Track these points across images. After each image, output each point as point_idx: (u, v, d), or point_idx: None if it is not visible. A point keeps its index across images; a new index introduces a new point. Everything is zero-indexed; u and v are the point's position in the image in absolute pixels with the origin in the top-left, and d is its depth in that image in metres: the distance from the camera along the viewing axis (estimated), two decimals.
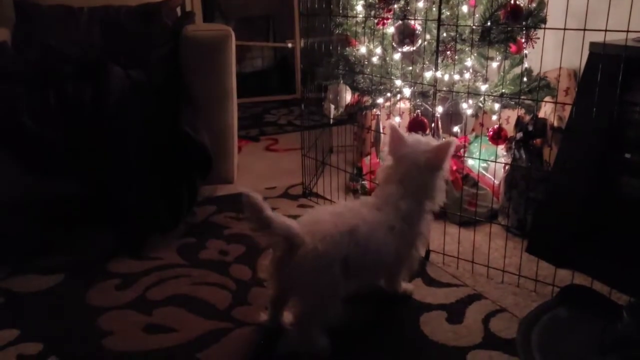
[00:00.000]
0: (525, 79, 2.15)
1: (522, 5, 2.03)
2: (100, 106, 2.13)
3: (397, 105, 2.37)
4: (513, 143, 2.23)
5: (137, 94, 2.20)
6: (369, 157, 2.77)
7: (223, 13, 4.68)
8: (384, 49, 2.34)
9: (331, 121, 2.80)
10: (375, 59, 2.37)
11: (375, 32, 2.31)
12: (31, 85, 2.14)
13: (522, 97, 2.13)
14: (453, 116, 2.31)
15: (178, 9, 2.85)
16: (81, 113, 2.12)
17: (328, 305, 1.48)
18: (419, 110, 2.21)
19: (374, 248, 1.54)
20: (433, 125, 2.15)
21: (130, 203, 2.10)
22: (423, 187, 1.64)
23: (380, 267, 1.63)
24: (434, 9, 2.15)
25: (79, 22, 2.58)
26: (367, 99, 2.42)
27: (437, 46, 1.96)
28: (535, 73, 2.21)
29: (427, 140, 1.68)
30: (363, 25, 2.33)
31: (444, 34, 2.16)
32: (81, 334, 1.64)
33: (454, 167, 2.31)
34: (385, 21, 2.24)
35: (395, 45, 2.21)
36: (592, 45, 1.83)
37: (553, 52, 1.91)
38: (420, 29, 2.14)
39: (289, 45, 4.56)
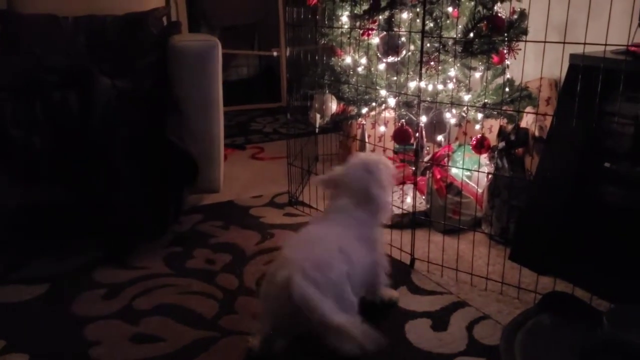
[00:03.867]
0: (507, 89, 2.19)
1: (503, 17, 2.06)
2: (86, 115, 2.13)
3: (382, 115, 2.39)
4: (496, 152, 2.26)
5: (123, 103, 2.20)
6: None
7: (208, 22, 4.69)
8: (369, 59, 2.37)
9: (317, 130, 2.81)
10: (360, 69, 2.40)
11: (361, 43, 2.33)
12: (17, 94, 2.13)
13: (505, 107, 2.16)
14: (437, 125, 2.34)
15: (164, 19, 2.85)
16: (67, 122, 2.12)
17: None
18: (403, 120, 2.24)
19: (359, 259, 1.57)
20: (417, 134, 2.18)
21: (116, 211, 2.10)
22: (370, 200, 1.69)
23: (365, 277, 1.65)
24: (418, 20, 2.18)
25: (64, 32, 2.57)
26: (352, 109, 2.44)
27: (421, 57, 1.99)
28: (517, 83, 2.25)
29: (372, 157, 1.77)
30: (348, 35, 2.36)
31: (428, 45, 2.19)
32: (67, 344, 1.64)
33: (438, 176, 2.34)
34: (370, 32, 2.27)
35: (380, 56, 2.23)
36: (572, 56, 1.87)
37: (534, 63, 1.95)
38: (405, 40, 2.16)
39: (274, 53, 4.57)
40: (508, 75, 2.26)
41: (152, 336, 1.67)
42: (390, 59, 2.18)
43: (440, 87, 2.28)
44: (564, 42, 1.69)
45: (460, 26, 2.12)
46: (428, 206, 2.38)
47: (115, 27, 2.63)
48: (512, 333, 1.60)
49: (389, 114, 2.48)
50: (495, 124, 2.59)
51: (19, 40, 2.47)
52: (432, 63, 2.22)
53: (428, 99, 2.23)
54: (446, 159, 2.44)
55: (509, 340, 1.57)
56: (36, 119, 2.11)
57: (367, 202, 1.69)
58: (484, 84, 2.22)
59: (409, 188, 2.45)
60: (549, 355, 1.54)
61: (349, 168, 1.74)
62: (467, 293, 1.90)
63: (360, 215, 1.67)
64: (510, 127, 2.30)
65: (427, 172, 2.41)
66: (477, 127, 2.35)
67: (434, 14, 2.18)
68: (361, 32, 2.29)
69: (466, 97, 2.23)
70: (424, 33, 1.97)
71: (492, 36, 2.05)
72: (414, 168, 2.15)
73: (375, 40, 2.29)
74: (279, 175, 2.88)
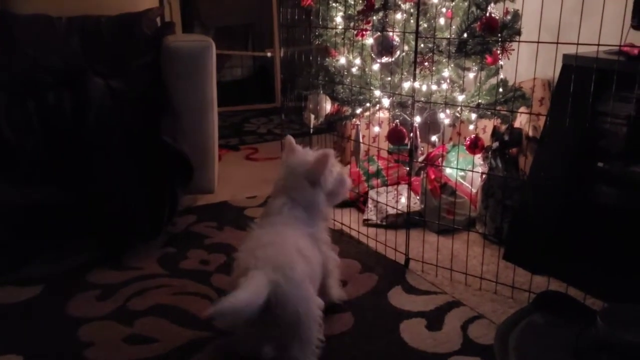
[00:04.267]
0: (500, 90, 2.20)
1: (497, 17, 2.07)
2: (80, 116, 2.12)
3: (376, 115, 2.40)
4: (490, 152, 2.27)
5: (117, 103, 2.20)
6: (348, 166, 2.80)
7: (202, 22, 4.68)
8: (363, 60, 2.37)
9: (311, 130, 2.81)
10: (354, 70, 2.41)
11: (355, 43, 2.34)
12: (11, 95, 2.12)
13: (498, 107, 2.17)
14: (431, 126, 2.35)
15: (158, 19, 2.85)
16: (62, 123, 2.11)
17: (317, 326, 1.46)
18: (397, 120, 2.24)
19: (315, 258, 1.56)
20: (411, 134, 2.18)
21: (111, 212, 2.09)
22: (308, 201, 1.63)
23: (320, 275, 1.63)
24: (411, 21, 2.18)
25: (58, 32, 2.56)
26: (346, 109, 2.45)
27: (415, 57, 2.00)
28: (510, 83, 2.26)
29: (311, 153, 1.67)
30: (342, 36, 2.36)
31: (422, 46, 2.20)
32: (62, 345, 1.63)
33: (432, 176, 2.35)
34: (364, 32, 2.28)
35: (374, 56, 2.24)
36: (565, 57, 1.88)
37: (527, 63, 1.96)
38: (399, 41, 2.17)
39: (268, 54, 4.57)
40: (502, 76, 2.27)
41: (146, 337, 1.66)
42: (384, 59, 2.19)
43: (434, 87, 2.28)
44: (557, 43, 1.70)
45: (454, 27, 2.13)
46: (422, 206, 2.39)
47: (109, 28, 2.62)
48: (507, 332, 1.61)
49: (383, 115, 2.48)
50: (489, 124, 2.60)
51: (12, 41, 2.46)
52: (426, 63, 2.23)
53: (422, 99, 2.24)
54: (440, 159, 2.44)
55: (503, 339, 1.58)
56: (30, 120, 2.10)
57: (301, 202, 1.62)
58: (478, 84, 2.23)
59: (403, 188, 2.45)
60: (543, 354, 1.55)
61: (286, 167, 1.67)
62: (462, 293, 1.91)
63: (300, 214, 1.61)
64: (504, 127, 2.31)
65: (422, 172, 2.42)
66: (471, 127, 2.36)
67: (428, 15, 2.19)
68: (355, 32, 2.29)
69: (460, 98, 2.24)
70: (417, 33, 1.97)
71: (485, 37, 2.06)
72: (408, 168, 2.15)
73: (369, 40, 2.30)
74: (273, 176, 2.86)
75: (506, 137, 2.26)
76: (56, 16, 2.61)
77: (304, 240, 1.56)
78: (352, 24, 2.31)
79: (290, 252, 1.46)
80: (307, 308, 1.41)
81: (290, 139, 1.71)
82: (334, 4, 2.39)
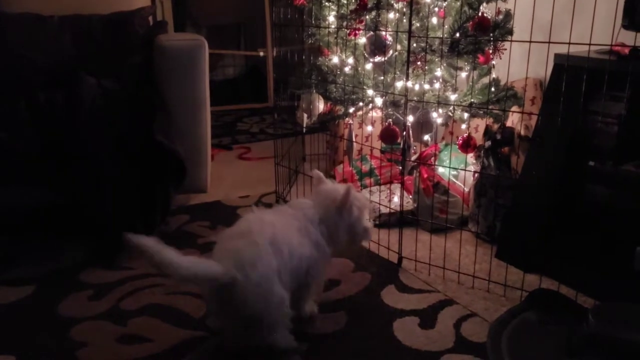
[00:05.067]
0: (493, 89, 2.21)
1: (489, 17, 2.08)
2: (72, 115, 2.11)
3: (369, 115, 2.40)
4: (482, 151, 2.28)
5: (109, 103, 2.19)
6: (341, 165, 2.80)
7: (194, 21, 4.67)
8: (356, 59, 2.37)
9: (304, 130, 2.82)
10: (347, 69, 2.41)
11: (348, 43, 2.34)
12: (1, 94, 2.11)
13: (490, 106, 2.18)
14: (424, 125, 2.36)
15: (150, 18, 2.84)
16: (53, 123, 2.10)
17: (284, 317, 1.51)
18: (390, 120, 2.25)
19: (294, 251, 1.55)
20: (404, 134, 2.19)
21: (103, 212, 2.09)
22: (331, 220, 1.67)
23: (300, 271, 1.61)
24: (404, 20, 2.19)
25: (50, 31, 2.54)
26: (339, 108, 2.45)
27: (408, 57, 2.00)
28: (502, 83, 2.27)
29: (339, 186, 1.74)
30: (335, 35, 2.36)
31: (415, 45, 2.20)
32: (54, 346, 1.62)
33: (425, 175, 2.36)
34: (357, 32, 2.28)
35: (367, 56, 2.24)
36: (557, 56, 1.89)
37: (519, 63, 1.97)
38: (392, 40, 2.18)
39: (261, 53, 4.57)
40: (494, 75, 2.28)
41: (139, 337, 1.66)
42: (377, 58, 2.19)
43: (426, 86, 2.29)
44: (549, 42, 1.71)
45: (446, 26, 2.14)
46: (415, 205, 2.39)
47: (101, 27, 2.61)
48: (499, 330, 1.62)
49: (376, 114, 2.49)
50: (481, 124, 2.61)
51: (3, 40, 2.44)
52: (418, 63, 2.23)
53: (415, 98, 2.24)
54: (433, 159, 2.45)
55: (495, 337, 1.59)
56: (21, 119, 2.09)
57: (325, 221, 1.67)
58: (470, 83, 2.24)
59: (396, 187, 2.46)
60: (536, 352, 1.56)
61: (317, 194, 1.73)
62: (455, 291, 1.91)
63: (318, 226, 1.65)
64: (496, 126, 2.32)
65: (414, 171, 2.42)
66: (464, 126, 2.37)
67: (420, 14, 2.19)
68: (348, 32, 2.30)
69: (452, 97, 2.25)
70: (410, 33, 1.98)
71: (478, 36, 2.07)
72: (401, 167, 2.16)
73: (362, 40, 2.30)
74: (266, 175, 2.88)
75: (498, 136, 2.27)
76: (48, 15, 2.60)
77: (290, 231, 1.57)
78: (345, 23, 2.31)
79: (259, 245, 1.47)
80: (266, 305, 1.45)
81: (318, 173, 1.77)
82: (326, 3, 2.39)
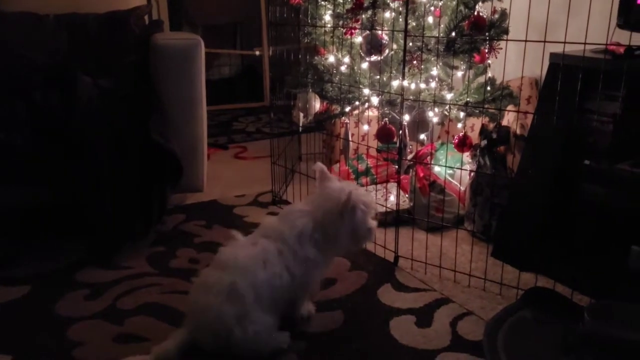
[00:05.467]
0: (488, 88, 2.21)
1: (485, 16, 2.09)
2: (68, 115, 2.11)
3: (365, 114, 2.41)
4: (478, 150, 2.29)
5: (105, 102, 2.19)
6: (337, 164, 2.81)
7: (190, 20, 4.67)
8: (352, 58, 2.38)
9: (300, 129, 2.82)
10: (343, 68, 2.41)
11: (344, 42, 2.34)
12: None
13: (486, 105, 2.19)
14: (420, 124, 2.36)
15: (146, 17, 2.84)
16: (50, 122, 2.10)
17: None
18: (386, 119, 2.25)
19: (267, 280, 1.56)
20: (400, 133, 2.19)
21: (100, 211, 2.08)
22: (331, 225, 1.63)
23: (283, 293, 1.62)
24: (400, 19, 2.19)
25: (46, 30, 2.54)
26: (335, 107, 2.45)
27: (404, 56, 2.00)
28: (498, 82, 2.27)
29: (345, 184, 1.70)
30: (331, 34, 2.37)
31: (411, 44, 2.21)
32: (51, 345, 1.62)
33: (421, 174, 2.36)
34: (353, 31, 2.28)
35: (363, 55, 2.25)
36: (552, 55, 1.90)
37: (515, 62, 1.97)
38: (388, 39, 2.18)
39: (257, 52, 4.56)
40: (489, 74, 2.29)
41: (136, 336, 1.66)
42: (373, 57, 2.20)
43: (422, 85, 2.30)
44: (544, 41, 1.72)
45: (442, 25, 2.14)
46: (411, 204, 2.40)
47: (98, 26, 2.60)
48: (495, 328, 1.62)
49: (372, 113, 2.49)
50: (477, 123, 2.61)
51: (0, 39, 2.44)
52: (414, 62, 2.24)
53: (411, 97, 2.25)
54: (429, 158, 2.46)
55: (492, 335, 1.59)
56: (18, 119, 2.08)
57: (324, 225, 1.63)
58: (466, 82, 2.25)
59: (392, 186, 2.46)
60: (531, 350, 1.57)
61: (331, 191, 1.65)
62: (451, 290, 1.92)
63: (313, 235, 1.62)
64: (492, 125, 2.33)
65: (410, 170, 2.43)
66: (460, 125, 2.38)
67: (417, 13, 2.20)
68: (344, 31, 2.30)
69: (448, 96, 2.25)
70: (406, 32, 1.98)
71: (473, 35, 2.07)
72: (397, 166, 2.16)
73: (358, 39, 2.30)
74: (262, 175, 2.88)
75: (494, 135, 2.27)
76: (44, 14, 2.59)
77: (266, 258, 1.56)
78: (341, 23, 2.31)
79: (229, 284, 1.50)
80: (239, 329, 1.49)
81: (321, 166, 1.71)
82: (322, 2, 2.40)
